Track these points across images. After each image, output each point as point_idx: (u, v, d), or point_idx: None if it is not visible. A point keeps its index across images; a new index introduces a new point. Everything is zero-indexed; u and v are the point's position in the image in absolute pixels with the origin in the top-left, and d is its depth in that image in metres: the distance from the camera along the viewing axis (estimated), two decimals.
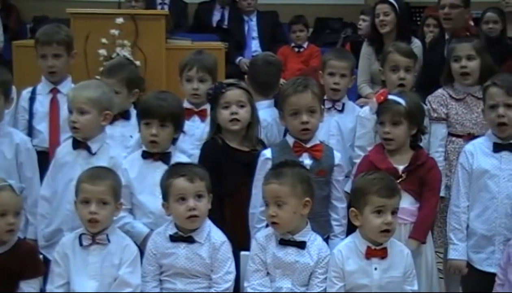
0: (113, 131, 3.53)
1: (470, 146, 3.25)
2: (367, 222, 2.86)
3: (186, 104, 3.64)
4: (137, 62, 4.70)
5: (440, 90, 3.77)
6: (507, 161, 3.14)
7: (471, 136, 3.53)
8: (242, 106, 3.30)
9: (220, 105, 3.29)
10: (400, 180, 3.08)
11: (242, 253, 3.04)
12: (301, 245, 2.90)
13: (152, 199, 3.13)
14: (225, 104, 3.28)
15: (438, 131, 3.65)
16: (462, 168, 3.22)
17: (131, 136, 3.55)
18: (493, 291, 2.98)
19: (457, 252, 3.19)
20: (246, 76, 3.99)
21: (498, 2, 6.18)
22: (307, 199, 2.90)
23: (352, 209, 2.92)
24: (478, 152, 3.19)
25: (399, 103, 3.16)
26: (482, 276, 3.14)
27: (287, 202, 2.86)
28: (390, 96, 3.21)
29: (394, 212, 2.85)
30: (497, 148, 3.16)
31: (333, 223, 3.20)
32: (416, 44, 4.92)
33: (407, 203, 3.10)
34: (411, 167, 3.14)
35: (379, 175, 2.93)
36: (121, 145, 3.49)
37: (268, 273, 2.91)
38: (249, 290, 2.91)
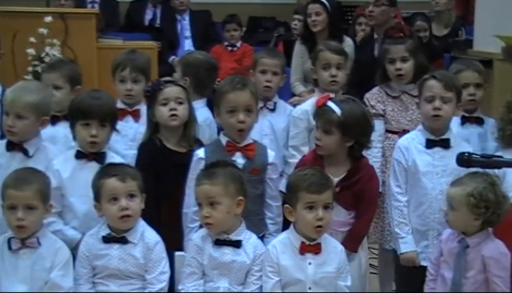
0: (57, 132, 3.46)
1: (404, 141, 3.27)
2: (300, 218, 2.87)
3: (120, 105, 3.59)
4: None
5: (377, 88, 3.84)
6: (440, 157, 3.19)
7: (405, 133, 3.57)
8: (180, 103, 3.29)
9: (158, 102, 3.27)
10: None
11: (177, 253, 3.02)
12: (237, 244, 2.89)
13: (83, 201, 3.07)
14: (164, 101, 3.26)
15: (376, 127, 3.68)
16: (398, 163, 3.25)
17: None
18: (425, 286, 3.02)
19: (408, 244, 3.22)
20: (175, 75, 3.95)
21: (428, 2, 6.34)
22: (240, 198, 2.89)
23: (286, 205, 2.93)
24: (412, 148, 3.23)
25: (333, 111, 3.07)
26: (416, 270, 3.18)
27: (220, 202, 2.84)
28: (329, 103, 3.12)
29: (326, 207, 2.85)
30: (430, 144, 3.20)
31: (268, 221, 3.20)
32: (348, 43, 5.00)
33: (339, 215, 3.06)
34: (346, 181, 3.08)
35: (311, 171, 2.92)
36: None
37: (204, 274, 2.90)
38: (183, 290, 2.90)
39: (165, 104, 3.26)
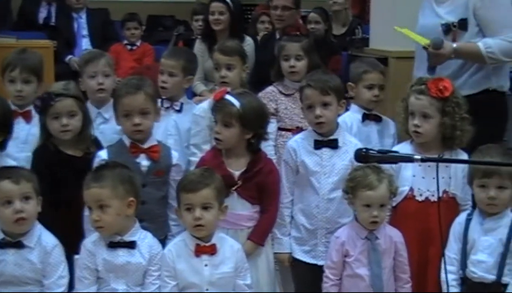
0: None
1: (293, 143, 3.29)
2: (183, 220, 2.89)
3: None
4: None
5: (270, 87, 3.89)
6: (328, 157, 3.22)
7: (299, 130, 3.63)
8: (73, 115, 3.21)
9: (49, 115, 3.19)
10: (236, 186, 3.09)
11: (76, 256, 2.94)
12: (131, 245, 2.86)
13: None
14: (55, 115, 3.18)
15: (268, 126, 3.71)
16: (286, 164, 3.26)
17: None
18: (324, 289, 3.06)
19: (281, 245, 3.26)
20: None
21: (325, 1, 6.45)
22: (131, 199, 2.85)
23: (175, 207, 2.95)
24: (301, 149, 3.24)
25: (233, 104, 3.10)
26: (307, 267, 3.22)
27: (110, 204, 2.80)
28: (227, 96, 3.15)
29: (205, 207, 2.84)
30: (318, 144, 3.23)
31: (171, 223, 3.18)
32: (248, 42, 5.01)
33: (243, 209, 3.11)
34: (248, 173, 3.12)
35: (194, 171, 2.97)
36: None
37: (100, 278, 2.85)
38: None
39: (56, 118, 3.18)
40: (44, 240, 2.87)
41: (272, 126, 3.71)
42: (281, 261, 3.30)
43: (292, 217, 3.27)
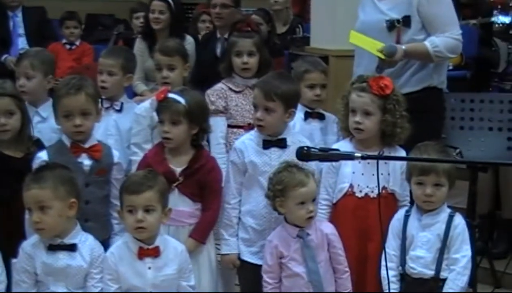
0: None
1: (239, 144, 3.27)
2: (125, 221, 2.87)
3: None
4: None
5: (220, 84, 3.85)
6: (276, 156, 3.20)
7: (251, 126, 3.59)
8: (11, 114, 3.14)
9: None
10: (177, 183, 3.08)
11: (14, 260, 2.88)
12: (72, 248, 2.82)
13: None
14: None
15: (216, 124, 3.69)
16: (233, 165, 3.25)
17: None
18: None
19: (229, 246, 3.24)
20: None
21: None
22: (73, 200, 2.82)
23: (117, 208, 2.92)
24: (249, 149, 3.23)
25: (178, 102, 3.11)
26: (255, 268, 3.19)
27: (51, 205, 2.76)
28: (170, 95, 3.15)
29: (147, 210, 2.82)
30: (266, 144, 3.22)
31: (114, 221, 3.15)
32: (189, 41, 4.99)
33: (184, 205, 3.11)
34: (189, 169, 3.12)
35: (137, 172, 2.96)
36: None
37: (38, 282, 2.80)
38: None
39: None
40: None
41: (221, 124, 3.72)
42: (229, 262, 3.27)
43: (239, 219, 3.26)
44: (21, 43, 6.29)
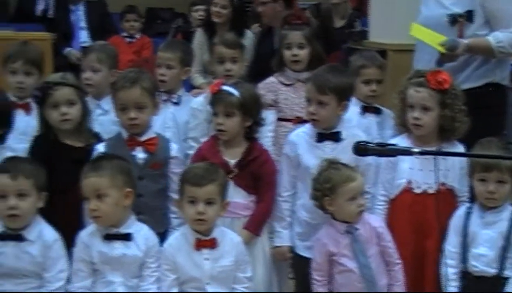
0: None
1: (294, 136, 3.26)
2: (184, 212, 2.88)
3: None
4: None
5: (271, 78, 3.85)
6: (330, 150, 3.17)
7: (300, 120, 3.60)
8: (72, 104, 3.18)
9: (48, 105, 3.16)
10: (232, 174, 3.09)
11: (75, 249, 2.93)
12: (127, 237, 2.86)
13: None
14: (54, 104, 3.15)
15: (266, 117, 3.70)
16: (287, 158, 3.24)
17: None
18: (315, 290, 3.04)
19: (281, 239, 3.23)
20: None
21: None
22: (129, 189, 2.85)
23: (175, 199, 2.94)
24: (302, 142, 3.21)
25: (232, 94, 3.12)
26: (309, 262, 3.14)
27: (108, 194, 2.80)
28: (224, 87, 3.17)
29: (208, 202, 2.84)
30: (320, 137, 3.20)
31: (172, 215, 3.17)
32: (249, 36, 5.01)
33: (239, 197, 3.12)
34: (243, 161, 3.13)
35: (199, 164, 2.96)
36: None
37: (96, 270, 2.85)
38: (72, 290, 2.87)
39: (56, 107, 3.15)
40: (45, 234, 2.87)
41: (270, 118, 3.70)
42: (280, 254, 3.27)
43: (294, 212, 3.25)
44: (83, 36, 6.40)
